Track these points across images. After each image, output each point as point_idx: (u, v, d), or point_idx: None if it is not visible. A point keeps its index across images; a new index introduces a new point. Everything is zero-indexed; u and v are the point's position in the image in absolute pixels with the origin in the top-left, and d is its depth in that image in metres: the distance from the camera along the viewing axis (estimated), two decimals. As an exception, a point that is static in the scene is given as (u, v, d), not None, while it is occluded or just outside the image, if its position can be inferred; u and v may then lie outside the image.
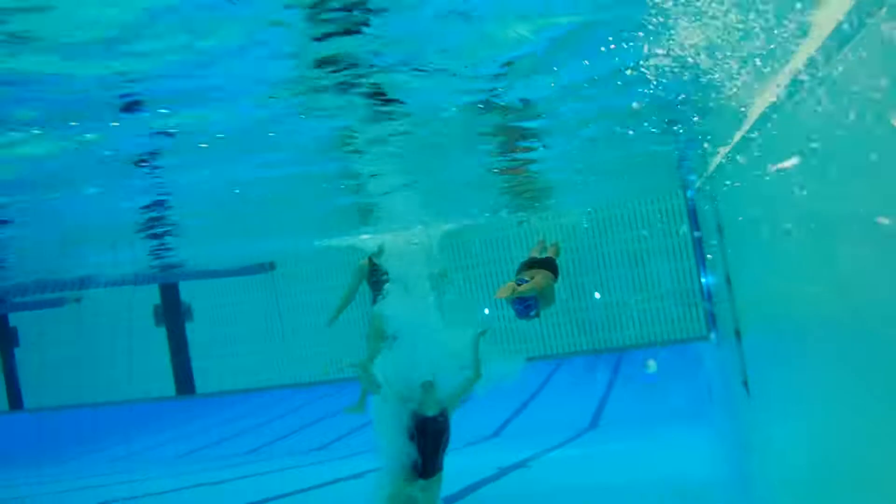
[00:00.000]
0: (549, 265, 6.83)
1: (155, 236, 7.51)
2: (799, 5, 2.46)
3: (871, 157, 2.09)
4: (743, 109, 4.08)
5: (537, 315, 6.39)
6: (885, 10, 1.84)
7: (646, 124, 5.89)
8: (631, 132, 5.84)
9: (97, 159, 4.62)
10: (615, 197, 8.10)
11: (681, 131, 5.56)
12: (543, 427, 12.34)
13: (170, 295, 9.18)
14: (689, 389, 11.11)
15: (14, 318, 10.16)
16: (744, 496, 6.27)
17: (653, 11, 2.79)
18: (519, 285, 6.42)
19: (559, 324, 8.22)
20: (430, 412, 5.85)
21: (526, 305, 6.22)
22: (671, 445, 10.00)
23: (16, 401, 10.32)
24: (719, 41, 3.22)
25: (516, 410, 13.76)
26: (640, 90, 4.45)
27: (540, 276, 6.59)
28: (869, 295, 2.39)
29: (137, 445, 15.27)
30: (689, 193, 7.47)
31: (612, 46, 3.56)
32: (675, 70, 3.86)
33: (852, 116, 2.28)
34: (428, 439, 5.85)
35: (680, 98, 4.49)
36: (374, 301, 7.31)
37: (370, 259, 7.63)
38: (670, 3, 2.71)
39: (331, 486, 10.53)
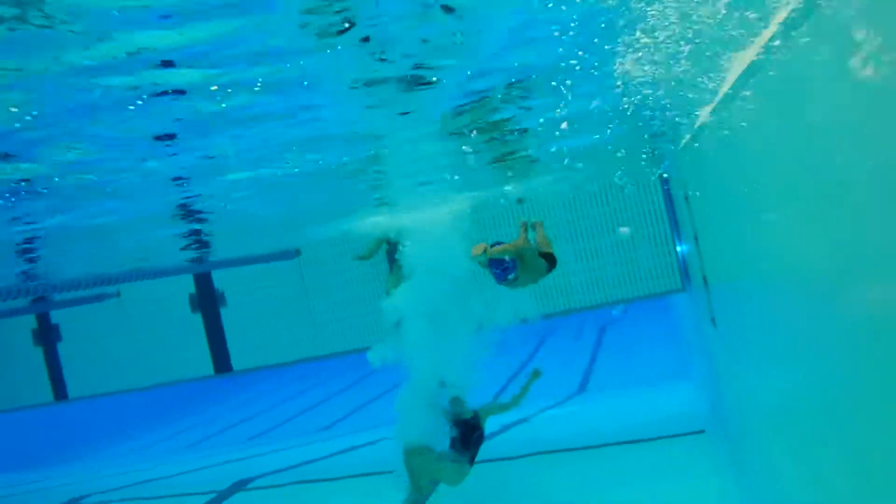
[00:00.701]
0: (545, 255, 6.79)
1: (191, 232, 8.42)
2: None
3: (814, 141, 2.56)
4: (708, 96, 4.98)
5: (516, 279, 6.46)
6: None
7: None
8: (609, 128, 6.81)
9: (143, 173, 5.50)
10: (593, 173, 9.08)
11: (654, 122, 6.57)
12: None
13: (204, 284, 10.14)
14: (670, 330, 12.43)
15: (56, 316, 11.06)
16: (715, 414, 7.46)
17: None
18: (493, 247, 6.34)
19: (551, 286, 9.18)
20: (465, 417, 6.88)
21: (503, 268, 6.35)
22: (657, 373, 11.32)
23: (60, 392, 11.24)
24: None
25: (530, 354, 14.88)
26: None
27: (521, 240, 6.63)
28: (800, 244, 3.12)
29: (182, 424, 16.36)
30: (661, 168, 8.56)
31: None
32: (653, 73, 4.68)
33: (801, 98, 2.61)
34: (463, 433, 6.85)
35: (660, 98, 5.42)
36: (393, 255, 8.21)
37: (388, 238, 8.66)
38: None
39: (350, 452, 11.58)
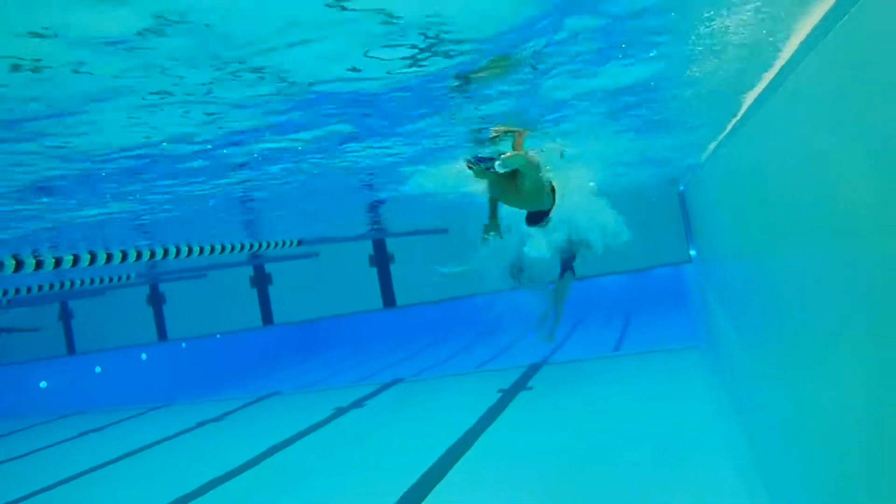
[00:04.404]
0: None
1: (373, 211, 13.18)
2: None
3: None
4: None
5: (491, 167, 5.93)
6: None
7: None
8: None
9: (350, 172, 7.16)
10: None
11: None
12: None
13: (379, 247, 15.35)
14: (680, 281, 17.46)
15: (269, 267, 16.30)
16: (706, 335, 12.35)
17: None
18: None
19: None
20: (565, 256, 11.84)
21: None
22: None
23: (267, 319, 16.50)
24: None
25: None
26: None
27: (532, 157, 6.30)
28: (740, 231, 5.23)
29: (357, 342, 21.75)
30: (680, 188, 13.56)
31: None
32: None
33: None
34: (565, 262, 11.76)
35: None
36: None
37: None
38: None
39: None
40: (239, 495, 8.19)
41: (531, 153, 6.29)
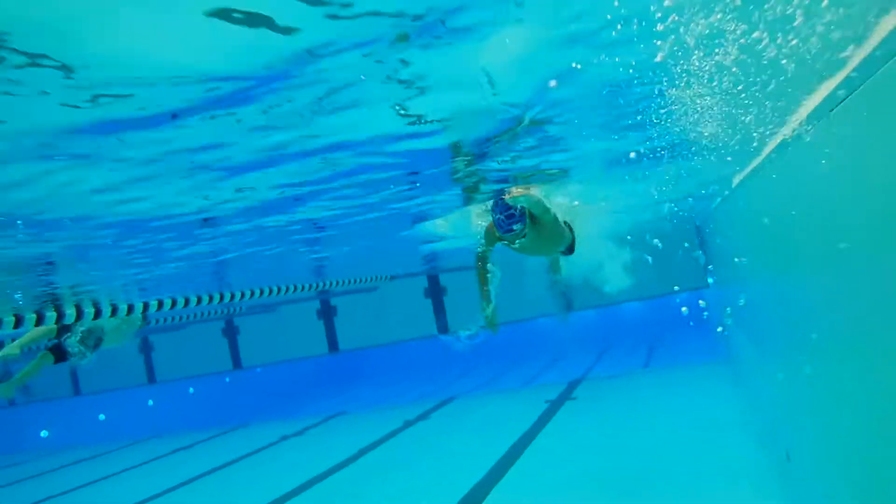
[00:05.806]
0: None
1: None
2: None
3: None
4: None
5: (524, 235, 5.92)
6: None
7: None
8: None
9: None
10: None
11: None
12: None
13: (433, 281, 17.34)
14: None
15: (335, 300, 18.35)
16: (727, 349, 14.07)
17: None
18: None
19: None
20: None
21: (509, 215, 5.80)
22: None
23: (333, 347, 18.49)
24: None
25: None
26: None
27: (536, 191, 6.37)
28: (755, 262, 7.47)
29: (414, 362, 23.63)
30: (697, 223, 15.46)
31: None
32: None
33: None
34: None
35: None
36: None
37: None
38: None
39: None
40: (333, 491, 9.82)
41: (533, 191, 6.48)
